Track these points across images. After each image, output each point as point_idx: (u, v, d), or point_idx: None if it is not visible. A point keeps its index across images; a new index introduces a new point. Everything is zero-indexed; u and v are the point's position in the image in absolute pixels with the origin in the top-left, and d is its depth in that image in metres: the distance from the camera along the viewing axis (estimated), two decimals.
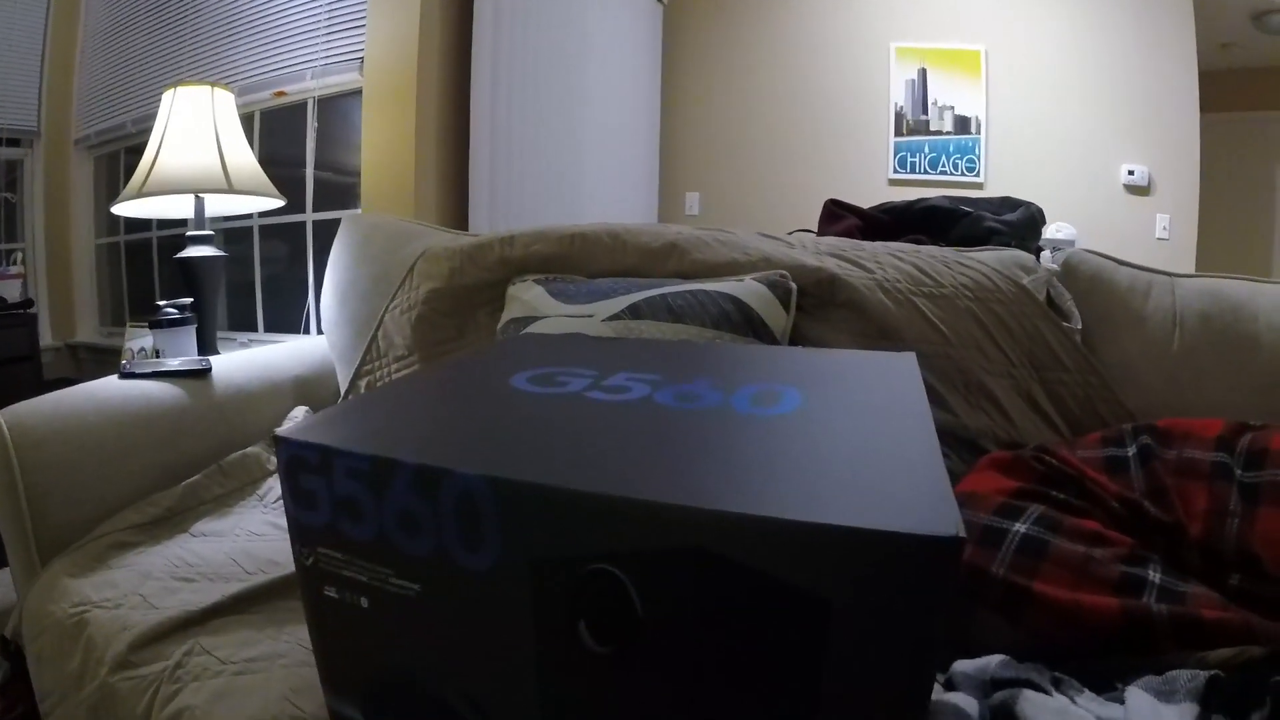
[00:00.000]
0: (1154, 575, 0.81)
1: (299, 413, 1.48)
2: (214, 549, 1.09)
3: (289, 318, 2.84)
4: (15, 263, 3.18)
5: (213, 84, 1.74)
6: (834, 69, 4.09)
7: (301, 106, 2.65)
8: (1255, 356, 1.22)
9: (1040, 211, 1.91)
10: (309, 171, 2.66)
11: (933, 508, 0.43)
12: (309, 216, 2.69)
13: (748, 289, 1.21)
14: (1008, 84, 3.96)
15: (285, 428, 0.56)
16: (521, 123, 2.55)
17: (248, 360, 1.51)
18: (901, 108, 4.06)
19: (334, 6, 2.49)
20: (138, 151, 3.33)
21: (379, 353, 1.49)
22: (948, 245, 1.48)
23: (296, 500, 0.55)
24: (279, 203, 1.78)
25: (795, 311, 1.25)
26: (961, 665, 0.76)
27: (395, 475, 0.50)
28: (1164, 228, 3.90)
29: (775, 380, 0.68)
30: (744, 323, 1.16)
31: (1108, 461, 1.00)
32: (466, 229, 2.28)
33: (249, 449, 1.35)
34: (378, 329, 1.50)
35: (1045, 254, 1.37)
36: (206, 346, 1.61)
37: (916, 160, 4.05)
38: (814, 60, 4.09)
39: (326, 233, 2.68)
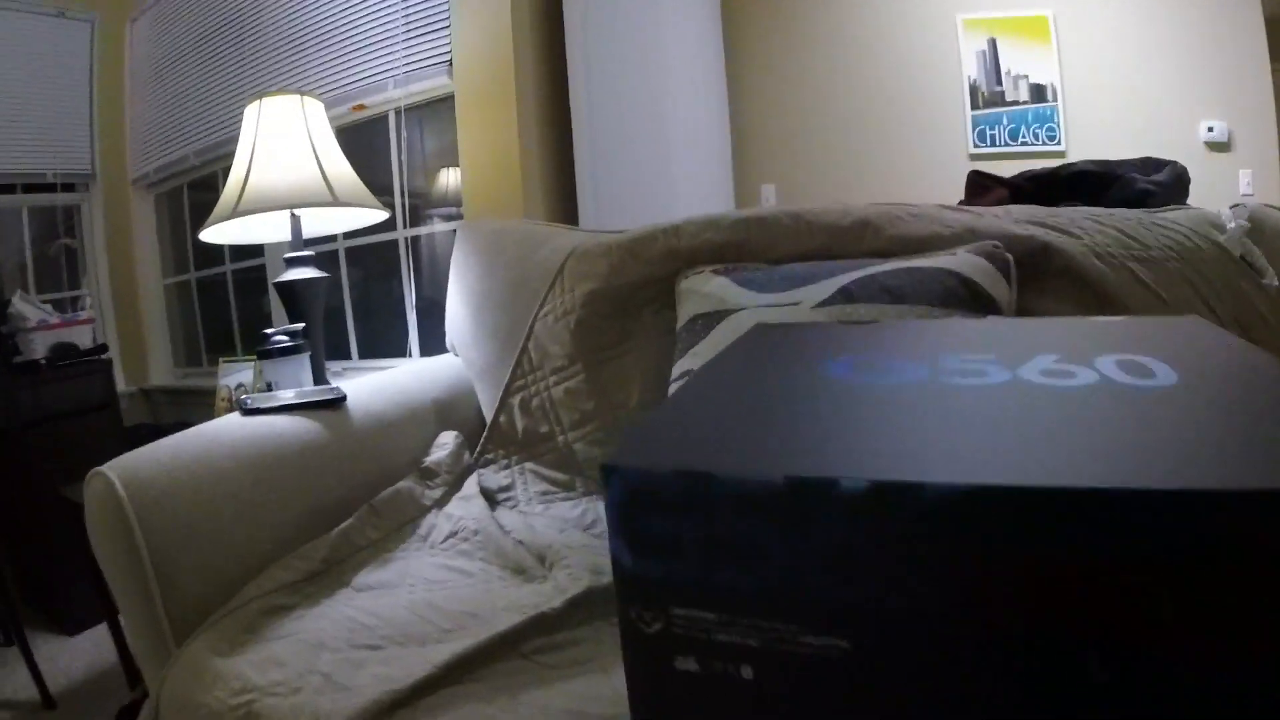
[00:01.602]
0: None
1: (448, 439, 1.38)
2: (390, 604, 0.95)
3: (380, 343, 2.76)
4: (84, 308, 3.11)
5: (301, 93, 1.66)
6: (901, 47, 4.00)
7: (374, 123, 2.57)
8: None
9: (1185, 170, 1.82)
10: (397, 184, 2.58)
11: None
12: (401, 233, 2.61)
13: (965, 262, 1.11)
14: (1079, 48, 3.86)
15: (614, 455, 0.43)
16: (616, 120, 2.46)
17: (379, 387, 1.41)
18: (975, 80, 3.96)
19: (411, 10, 2.40)
20: (201, 186, 3.33)
21: (532, 365, 1.39)
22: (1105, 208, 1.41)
23: (638, 549, 0.42)
24: (383, 215, 1.68)
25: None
26: None
27: (827, 500, 0.39)
28: (1247, 183, 3.79)
29: (1122, 351, 0.59)
30: (970, 298, 1.07)
31: None
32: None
33: (400, 484, 1.24)
34: (527, 340, 1.40)
35: (1225, 211, 1.28)
36: (318, 376, 1.49)
37: (996, 133, 3.96)
38: (879, 40, 4.00)
39: (415, 251, 2.61)
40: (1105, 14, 3.85)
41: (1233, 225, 1.27)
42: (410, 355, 2.54)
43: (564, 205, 2.39)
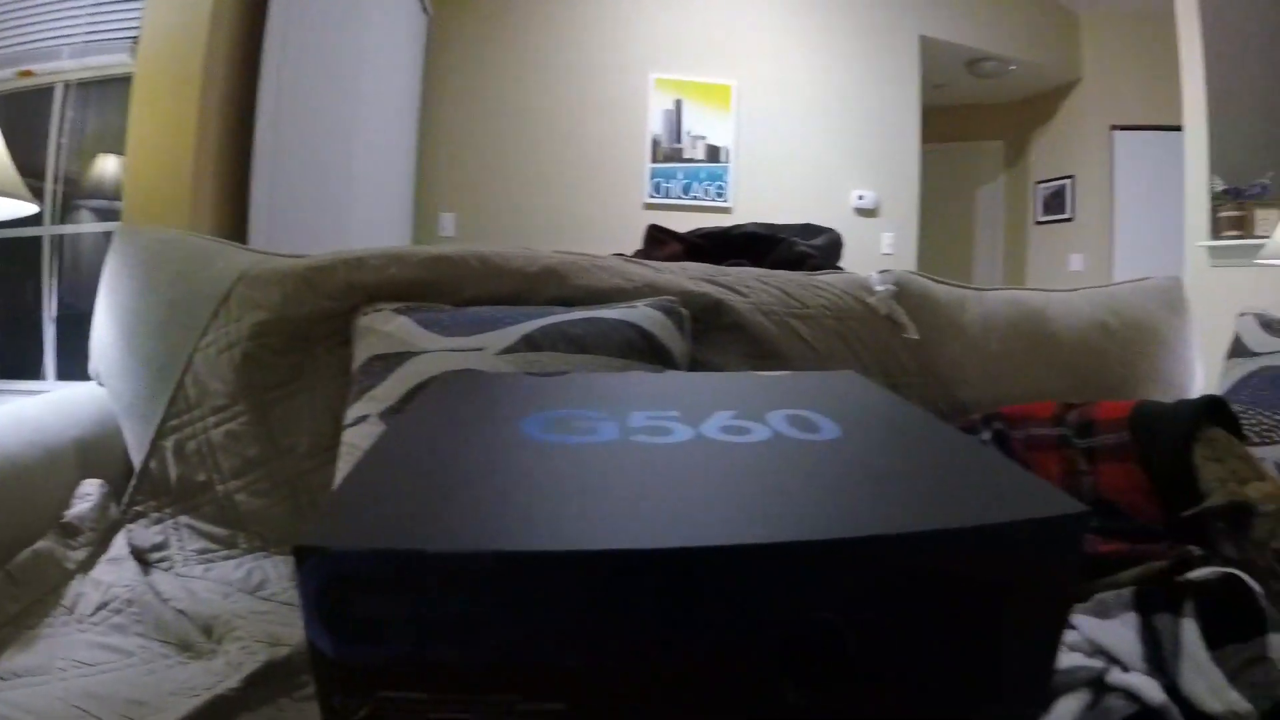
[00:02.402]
0: None
1: (91, 488, 1.17)
2: (44, 696, 0.81)
3: (4, 360, 2.34)
4: None
5: None
6: (595, 96, 4.22)
7: (35, 95, 2.20)
8: (1057, 350, 1.47)
9: (839, 236, 2.07)
10: (51, 172, 2.21)
11: (1051, 493, 0.48)
12: (47, 229, 2.23)
13: (646, 316, 1.16)
14: (754, 116, 4.31)
15: (308, 535, 0.39)
16: (303, 129, 2.31)
17: (12, 421, 1.18)
18: (658, 135, 4.28)
19: None
20: None
21: (189, 403, 1.24)
22: (766, 268, 1.57)
23: (341, 636, 0.39)
24: (31, 209, 1.44)
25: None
26: None
27: (537, 571, 0.39)
28: (889, 244, 4.41)
29: (790, 406, 0.64)
30: (649, 350, 1.12)
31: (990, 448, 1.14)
32: (245, 244, 2.03)
33: (38, 545, 1.04)
34: (185, 373, 1.26)
35: (874, 275, 1.49)
36: None
37: (671, 186, 4.29)
38: (575, 86, 4.19)
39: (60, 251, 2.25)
40: (780, 90, 4.34)
41: (880, 288, 1.46)
42: (45, 378, 2.19)
43: (235, 214, 2.19)
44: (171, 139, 2.00)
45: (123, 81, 2.12)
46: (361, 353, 1.17)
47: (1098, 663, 0.79)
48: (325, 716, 0.41)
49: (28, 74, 2.23)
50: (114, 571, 1.07)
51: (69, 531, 1.11)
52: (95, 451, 1.27)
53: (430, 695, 0.40)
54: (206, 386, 1.24)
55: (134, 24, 2.07)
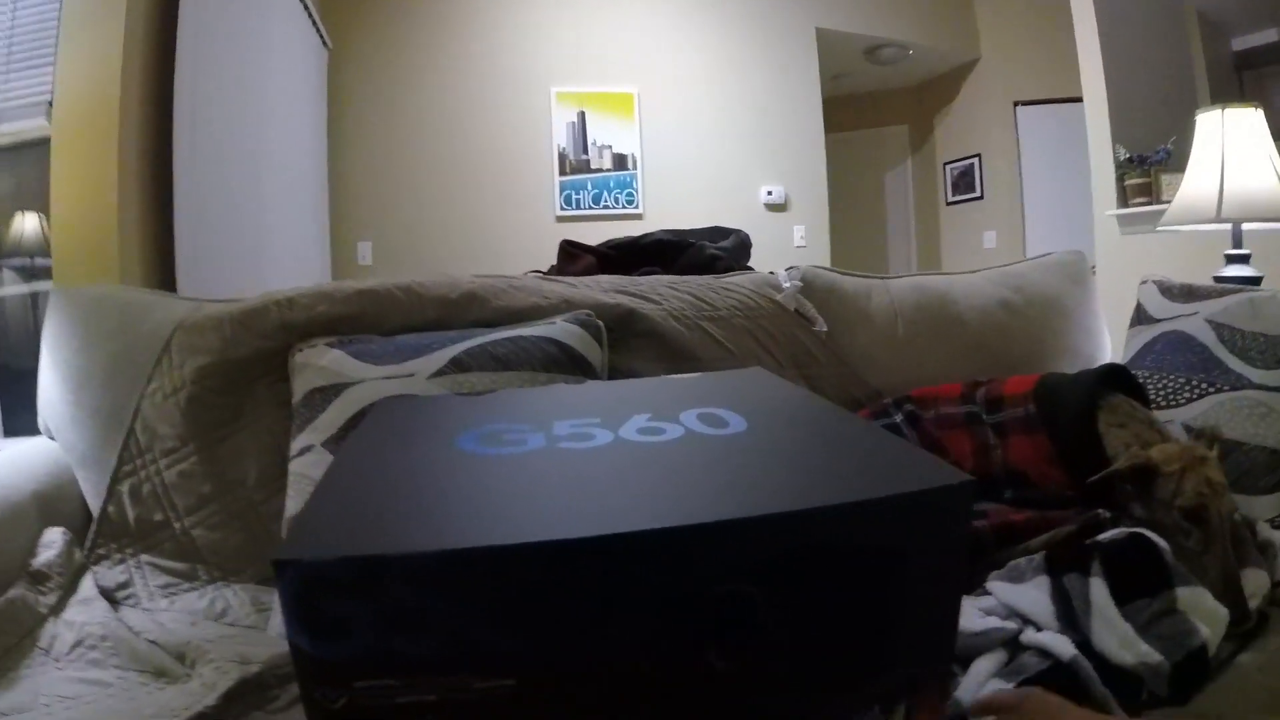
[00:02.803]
0: None
1: (54, 536, 1.23)
2: None
3: None
4: None
5: None
6: (498, 113, 4.27)
7: None
8: (962, 331, 1.56)
9: (747, 236, 2.16)
10: None
11: (937, 466, 0.56)
12: None
13: (564, 330, 1.27)
14: (659, 122, 4.41)
15: (283, 550, 0.46)
16: (217, 173, 2.36)
17: None
18: (564, 148, 4.35)
19: (14, 42, 2.10)
20: None
21: (140, 448, 1.31)
22: (677, 273, 1.67)
23: (316, 634, 0.45)
24: None
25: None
26: None
27: (478, 565, 0.46)
28: (801, 237, 4.55)
29: (700, 405, 0.73)
30: (569, 362, 1.23)
31: (884, 430, 1.23)
32: (175, 291, 2.08)
33: (10, 593, 1.11)
34: (134, 420, 1.32)
35: (781, 272, 1.59)
36: None
37: (581, 197, 4.36)
38: (478, 105, 4.24)
39: None
40: (682, 94, 4.43)
41: (788, 285, 1.56)
42: None
43: (161, 263, 2.23)
44: (94, 196, 2.03)
45: (36, 146, 2.14)
46: (300, 387, 1.25)
47: (1013, 624, 0.86)
48: (308, 709, 0.47)
49: None
50: (85, 611, 1.13)
51: (38, 579, 1.17)
52: (54, 501, 1.33)
53: (397, 681, 0.46)
54: (155, 431, 1.31)
55: (45, 88, 2.10)
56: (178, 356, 1.33)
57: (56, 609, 1.14)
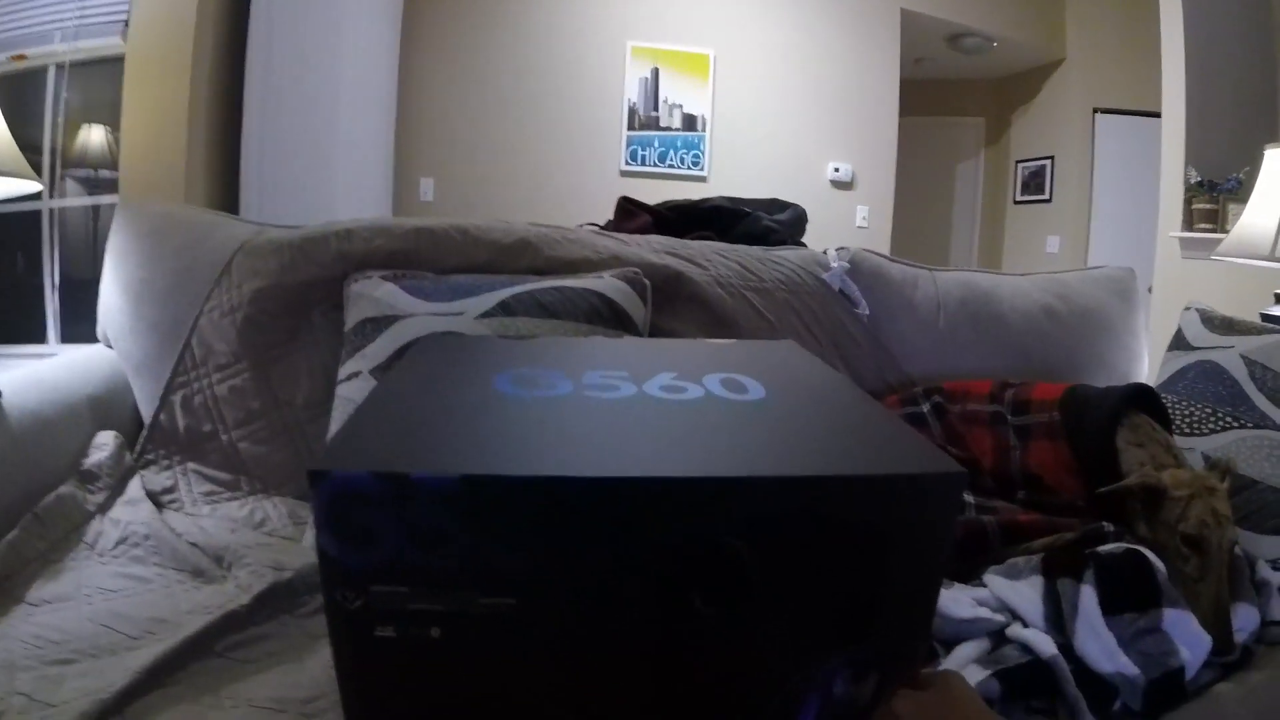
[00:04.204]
0: (969, 498, 1.08)
1: (106, 439, 1.29)
2: (73, 617, 0.92)
3: (5, 325, 2.45)
4: None
5: None
6: (572, 63, 4.25)
7: (28, 75, 2.29)
8: (1003, 330, 1.55)
9: (804, 211, 2.15)
10: (48, 150, 2.30)
11: (932, 454, 0.56)
12: (47, 204, 2.33)
13: (610, 285, 1.28)
14: (732, 87, 4.34)
15: (320, 461, 0.50)
16: (288, 104, 2.41)
17: (32, 380, 1.28)
18: (634, 104, 4.32)
19: None
20: None
21: (194, 362, 1.36)
22: (731, 242, 1.67)
23: (342, 541, 0.50)
24: (35, 187, 1.55)
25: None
26: None
27: (495, 492, 0.49)
28: (863, 218, 4.49)
29: (725, 370, 0.75)
30: (612, 316, 1.24)
31: (909, 418, 1.27)
32: (236, 214, 2.13)
33: (60, 489, 1.16)
34: (191, 335, 1.37)
35: (831, 251, 1.58)
36: None
37: (647, 154, 4.34)
38: (552, 53, 4.23)
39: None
40: (762, 59, 4.36)
41: (836, 265, 1.55)
42: (47, 342, 2.29)
43: (226, 186, 2.29)
44: (164, 117, 2.09)
45: (111, 63, 2.21)
46: (353, 316, 1.29)
47: (1001, 618, 0.89)
48: (328, 609, 0.51)
49: (21, 58, 2.31)
50: (131, 511, 1.18)
51: (88, 478, 1.22)
52: (108, 407, 1.39)
53: (409, 589, 0.50)
54: (211, 347, 1.36)
55: (122, 7, 2.15)
56: (237, 277, 1.38)
57: (104, 507, 1.20)
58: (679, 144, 4.36)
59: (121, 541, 1.12)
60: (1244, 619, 0.95)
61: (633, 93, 4.32)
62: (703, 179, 4.34)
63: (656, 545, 0.51)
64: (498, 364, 0.76)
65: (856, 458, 0.58)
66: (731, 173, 4.30)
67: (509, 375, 0.71)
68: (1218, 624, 0.90)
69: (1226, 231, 2.77)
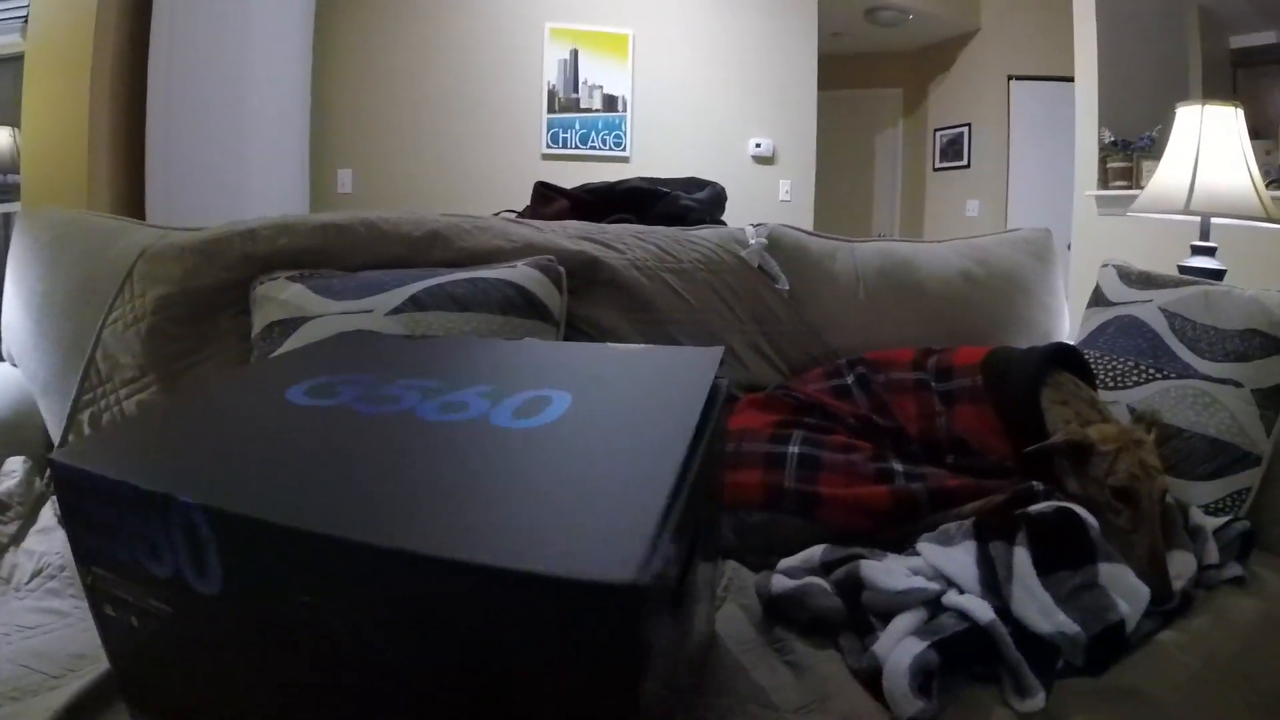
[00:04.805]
0: (897, 465, 1.07)
1: (15, 465, 1.23)
2: None
3: None
4: None
5: None
6: (490, 46, 4.21)
7: None
8: (922, 298, 1.57)
9: (723, 189, 2.17)
10: None
11: (620, 545, 0.41)
12: None
13: (524, 274, 1.28)
14: (652, 66, 4.35)
15: (60, 452, 0.57)
16: (194, 97, 2.33)
17: None
18: (554, 86, 4.30)
19: None
20: None
21: (100, 378, 1.31)
22: (649, 223, 1.68)
23: (71, 518, 0.58)
24: None
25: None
26: (787, 561, 0.95)
27: (132, 499, 0.53)
28: (787, 191, 4.55)
29: (551, 385, 0.68)
30: (527, 306, 1.24)
31: (835, 390, 1.27)
32: (143, 217, 2.07)
33: None
34: (95, 349, 1.32)
35: (749, 228, 1.60)
36: None
37: (568, 136, 4.32)
38: (470, 36, 4.18)
39: None
40: (681, 38, 4.37)
41: (754, 242, 1.56)
42: None
43: (132, 188, 2.22)
44: (66, 117, 2.02)
45: (11, 60, 2.12)
46: (260, 320, 1.26)
47: (936, 586, 0.88)
48: (81, 579, 0.59)
49: None
50: (45, 541, 1.13)
51: (50, 466, 1.17)
52: (15, 430, 1.33)
53: (115, 577, 0.56)
54: (116, 360, 1.31)
55: (22, 4, 2.07)
56: (140, 285, 1.33)
57: (17, 538, 1.15)
58: (600, 125, 4.35)
59: (37, 574, 1.07)
60: (1180, 565, 0.96)
61: (552, 75, 4.29)
62: (625, 159, 4.33)
63: (262, 593, 0.51)
64: (313, 371, 0.75)
65: (497, 536, 0.46)
66: (654, 153, 4.31)
67: (307, 385, 0.70)
68: (1154, 573, 0.91)
69: (1141, 188, 2.88)
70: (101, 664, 0.85)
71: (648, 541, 0.41)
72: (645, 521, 0.43)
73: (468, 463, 0.55)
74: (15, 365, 1.44)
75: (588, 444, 0.59)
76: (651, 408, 0.67)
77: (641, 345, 1.06)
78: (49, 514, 1.20)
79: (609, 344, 1.25)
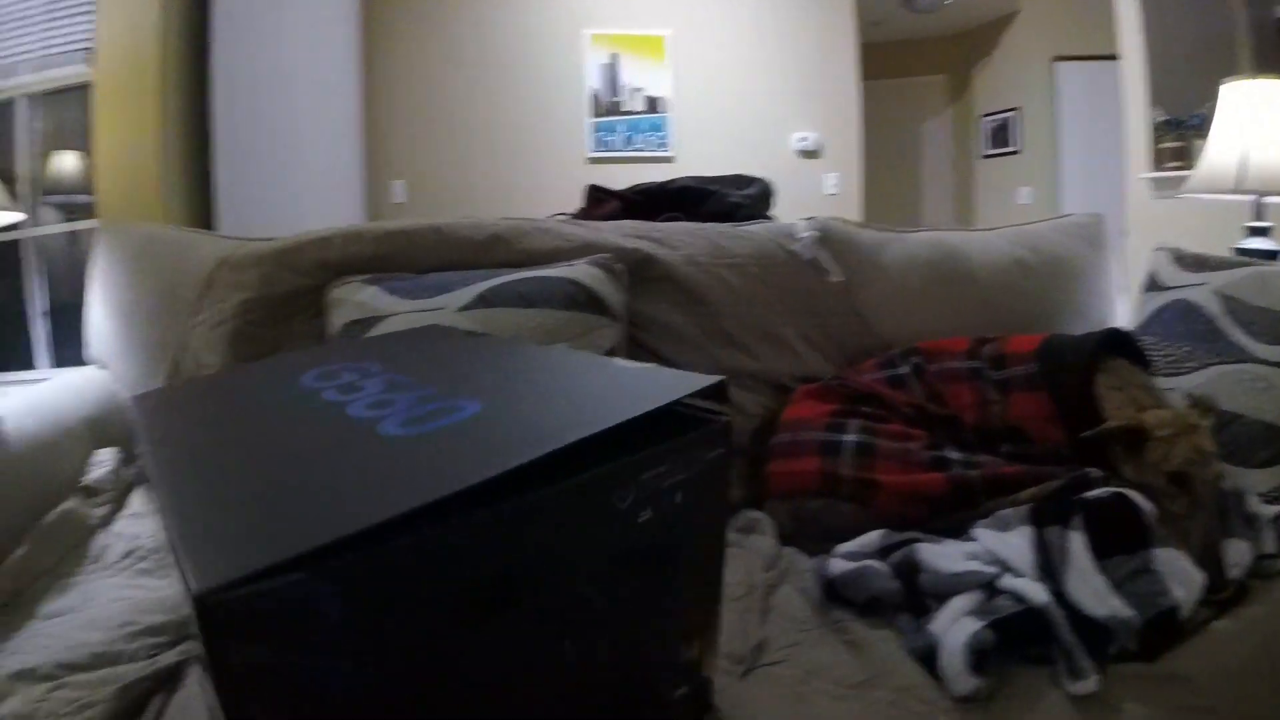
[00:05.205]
0: (952, 454, 1.09)
1: (106, 456, 1.33)
2: (81, 627, 0.94)
3: None
4: None
5: None
6: (533, 55, 4.28)
7: (3, 109, 2.30)
8: (973, 288, 1.58)
9: (769, 184, 2.18)
10: (23, 179, 2.32)
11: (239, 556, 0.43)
12: (30, 232, 2.35)
13: (584, 272, 1.33)
14: (690, 66, 4.38)
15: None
16: (254, 115, 2.44)
17: (30, 404, 1.33)
18: (596, 90, 4.35)
19: None
20: None
21: (185, 376, 1.40)
22: (699, 220, 1.70)
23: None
24: (16, 216, 1.58)
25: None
26: (845, 546, 0.98)
27: None
28: (833, 185, 4.53)
29: (465, 395, 0.65)
30: (588, 302, 1.29)
31: (890, 380, 1.28)
32: (213, 229, 2.17)
33: (64, 505, 1.19)
34: (181, 349, 1.41)
35: (800, 223, 1.62)
36: None
37: (612, 139, 4.37)
38: (513, 47, 4.26)
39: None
40: (715, 37, 4.38)
41: (805, 235, 1.58)
42: (36, 366, 2.32)
43: (200, 203, 2.33)
44: (136, 140, 2.12)
45: (77, 88, 2.23)
46: (337, 320, 1.33)
47: (993, 569, 0.89)
48: None
49: None
50: (136, 525, 1.21)
51: (90, 493, 1.25)
52: (105, 426, 1.42)
53: None
54: (201, 360, 1.39)
55: (85, 36, 2.17)
56: (221, 291, 1.41)
57: (107, 521, 1.22)
58: (643, 126, 4.39)
59: (128, 555, 1.13)
60: (1236, 553, 0.95)
61: (594, 80, 4.35)
62: (669, 160, 4.36)
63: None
64: (331, 359, 0.80)
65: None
66: (697, 151, 4.32)
67: (317, 372, 0.75)
68: (1209, 560, 0.90)
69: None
70: (178, 645, 0.91)
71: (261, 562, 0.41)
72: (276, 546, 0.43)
73: (317, 468, 0.56)
74: (103, 368, 1.53)
75: (444, 460, 0.55)
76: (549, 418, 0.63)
77: (646, 365, 1.01)
78: (139, 500, 1.28)
79: (615, 360, 1.23)
